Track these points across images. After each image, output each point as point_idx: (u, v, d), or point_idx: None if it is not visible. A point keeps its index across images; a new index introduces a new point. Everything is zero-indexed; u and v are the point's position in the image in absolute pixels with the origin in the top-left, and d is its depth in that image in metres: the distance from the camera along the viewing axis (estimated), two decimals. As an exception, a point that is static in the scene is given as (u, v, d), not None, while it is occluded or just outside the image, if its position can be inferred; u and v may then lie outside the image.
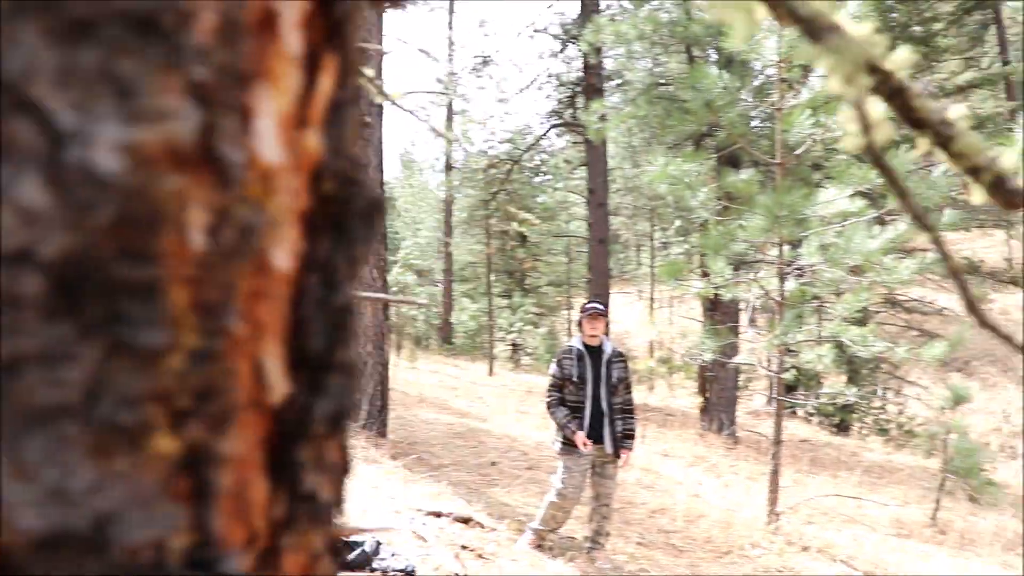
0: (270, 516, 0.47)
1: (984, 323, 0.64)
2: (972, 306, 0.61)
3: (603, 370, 5.81)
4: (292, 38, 0.43)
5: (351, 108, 0.48)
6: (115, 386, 0.35)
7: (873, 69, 0.69)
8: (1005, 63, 24.65)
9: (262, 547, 0.47)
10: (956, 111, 0.70)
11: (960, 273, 0.61)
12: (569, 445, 5.66)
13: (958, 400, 8.70)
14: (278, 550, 0.48)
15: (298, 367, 0.46)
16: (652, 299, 27.57)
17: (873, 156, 0.58)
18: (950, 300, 24.00)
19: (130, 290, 0.34)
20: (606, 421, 5.72)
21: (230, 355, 0.40)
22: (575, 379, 5.75)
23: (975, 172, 0.68)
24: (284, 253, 0.43)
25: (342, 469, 0.54)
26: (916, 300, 17.97)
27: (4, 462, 0.33)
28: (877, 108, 0.58)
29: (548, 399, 5.86)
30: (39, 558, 0.34)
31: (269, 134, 0.40)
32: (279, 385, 0.44)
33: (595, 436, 5.69)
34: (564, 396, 5.78)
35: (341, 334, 0.48)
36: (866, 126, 0.57)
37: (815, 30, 0.57)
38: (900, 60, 0.72)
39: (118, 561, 0.36)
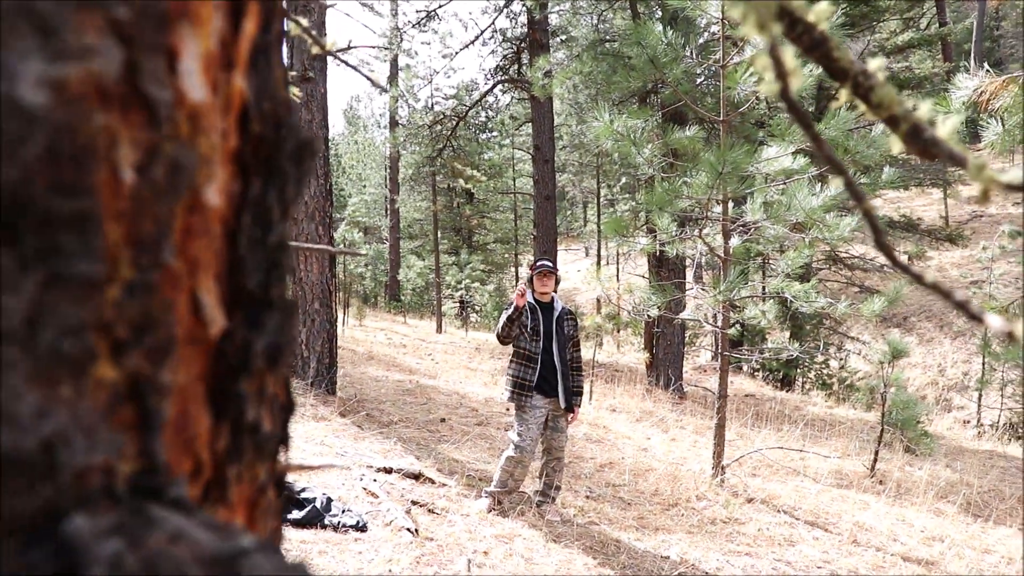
0: (214, 447, 0.48)
1: (895, 262, 0.68)
2: (882, 245, 0.64)
3: (554, 326, 5.86)
4: (214, -18, 0.44)
5: (276, 52, 0.49)
6: (56, 315, 0.36)
7: (794, 21, 0.72)
8: (942, 24, 25.10)
9: (208, 477, 0.49)
10: (875, 64, 0.73)
11: (871, 213, 0.64)
12: (522, 396, 5.69)
13: (896, 355, 8.92)
14: (224, 481, 0.50)
15: (235, 304, 0.47)
16: (599, 256, 27.71)
17: (788, 102, 0.61)
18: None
19: (66, 223, 0.35)
20: (559, 375, 5.78)
21: (167, 288, 0.41)
22: (529, 329, 5.77)
23: (893, 122, 0.71)
24: (216, 191, 0.44)
25: (284, 405, 0.56)
26: (857, 257, 18.33)
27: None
28: (791, 55, 0.61)
29: (499, 322, 5.85)
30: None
31: (195, 74, 0.41)
32: (216, 320, 0.45)
33: (548, 390, 5.74)
34: (518, 345, 5.80)
35: (277, 272, 0.50)
36: (780, 72, 0.59)
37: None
38: (821, 12, 0.74)
39: (69, 485, 0.37)
